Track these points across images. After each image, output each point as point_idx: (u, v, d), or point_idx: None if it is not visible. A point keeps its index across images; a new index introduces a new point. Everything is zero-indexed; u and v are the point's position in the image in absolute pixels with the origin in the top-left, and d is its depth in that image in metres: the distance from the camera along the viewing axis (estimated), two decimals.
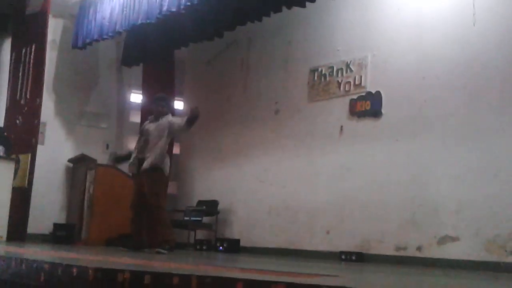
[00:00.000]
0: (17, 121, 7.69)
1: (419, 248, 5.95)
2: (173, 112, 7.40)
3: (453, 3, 6.20)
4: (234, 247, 7.42)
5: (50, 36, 8.05)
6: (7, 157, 6.97)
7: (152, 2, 6.76)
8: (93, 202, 7.47)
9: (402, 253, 6.06)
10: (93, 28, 7.71)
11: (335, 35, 7.32)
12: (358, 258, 6.22)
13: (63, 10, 8.45)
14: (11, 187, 6.84)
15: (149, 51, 8.50)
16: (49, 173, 7.99)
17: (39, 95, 7.63)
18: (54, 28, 8.36)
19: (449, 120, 6.00)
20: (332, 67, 7.22)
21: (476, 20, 5.89)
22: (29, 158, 7.39)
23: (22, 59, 7.85)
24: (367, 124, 6.73)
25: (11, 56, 8.09)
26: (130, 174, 6.10)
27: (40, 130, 7.75)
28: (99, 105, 8.95)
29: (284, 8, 6.90)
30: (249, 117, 8.26)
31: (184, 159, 9.26)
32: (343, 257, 6.32)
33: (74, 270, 2.35)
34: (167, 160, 5.90)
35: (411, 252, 6.00)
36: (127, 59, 8.95)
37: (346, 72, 7.06)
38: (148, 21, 6.90)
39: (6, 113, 7.91)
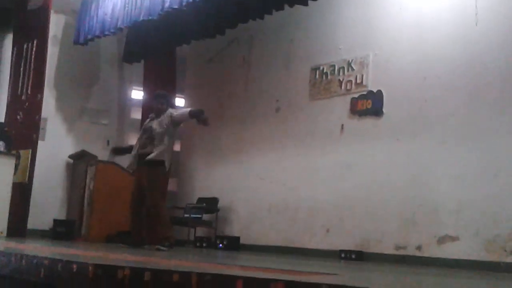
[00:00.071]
0: (18, 117, 7.69)
1: (418, 248, 5.96)
2: (173, 108, 7.40)
3: (455, 3, 6.19)
4: (234, 244, 7.42)
5: (51, 32, 8.05)
6: (7, 152, 6.97)
7: None
8: (93, 199, 7.47)
9: (401, 252, 6.07)
10: (95, 24, 7.71)
11: (337, 34, 7.31)
12: (357, 256, 6.23)
13: (65, 5, 8.45)
14: (12, 183, 6.85)
15: (151, 48, 8.50)
16: (49, 169, 8.00)
17: (40, 90, 7.63)
18: (56, 24, 8.36)
19: (449, 120, 6.00)
20: (334, 66, 7.22)
21: (478, 20, 5.89)
22: (30, 153, 7.39)
23: (24, 54, 7.85)
24: (368, 123, 6.73)
25: (12, 51, 8.08)
26: (131, 171, 6.09)
27: (41, 126, 7.75)
28: (100, 101, 8.95)
29: (286, 6, 6.90)
30: (250, 115, 8.26)
31: (185, 156, 9.26)
32: (342, 255, 6.33)
33: (74, 266, 2.35)
34: (170, 156, 5.88)
35: (411, 251, 6.00)
36: (129, 56, 8.95)
37: (348, 70, 7.06)
38: (150, 17, 6.90)
39: (7, 108, 7.91)
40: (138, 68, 9.15)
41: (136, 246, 5.65)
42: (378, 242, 6.31)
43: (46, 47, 7.75)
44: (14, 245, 4.30)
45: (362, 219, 6.51)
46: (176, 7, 6.57)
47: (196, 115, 5.84)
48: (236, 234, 7.80)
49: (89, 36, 7.89)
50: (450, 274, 4.09)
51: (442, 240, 5.79)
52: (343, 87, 7.08)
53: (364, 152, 6.67)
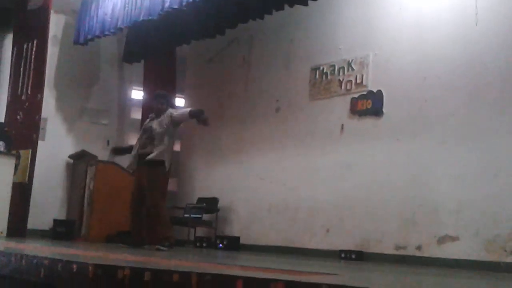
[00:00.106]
0: (18, 117, 7.69)
1: (418, 248, 5.96)
2: (173, 108, 7.40)
3: (455, 3, 6.19)
4: (234, 244, 7.42)
5: (51, 32, 8.05)
6: (7, 152, 6.97)
7: None
8: (93, 199, 7.47)
9: (401, 252, 6.07)
10: (95, 24, 7.71)
11: (337, 34, 7.31)
12: (357, 256, 6.22)
13: (65, 5, 8.45)
14: (12, 183, 6.85)
15: (151, 48, 8.50)
16: (49, 169, 8.00)
17: (40, 90, 7.63)
18: (56, 24, 8.36)
19: (449, 120, 6.00)
20: (334, 66, 7.22)
21: (478, 20, 5.89)
22: (30, 153, 7.40)
23: (24, 54, 7.85)
24: (368, 123, 6.72)
25: (12, 51, 8.08)
26: (131, 171, 6.09)
27: (41, 126, 7.75)
28: (100, 102, 8.95)
29: (286, 6, 6.90)
30: (250, 115, 8.26)
31: (185, 156, 9.26)
32: (342, 255, 6.33)
33: (74, 266, 2.35)
34: (170, 156, 5.87)
35: (411, 251, 6.00)
36: (129, 56, 8.95)
37: (348, 70, 7.06)
38: (150, 17, 6.90)
39: (7, 108, 7.91)
40: (138, 68, 9.15)
41: (136, 246, 5.64)
42: (378, 242, 6.31)
43: (46, 47, 7.75)
44: (14, 245, 4.30)
45: (362, 219, 6.51)
46: (176, 7, 6.57)
47: (196, 115, 5.85)
48: (236, 234, 7.80)
49: (89, 36, 7.90)
50: (450, 274, 4.09)
51: (442, 240, 5.79)
52: (343, 87, 7.08)
53: (364, 152, 6.67)
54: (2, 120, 7.75)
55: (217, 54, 8.91)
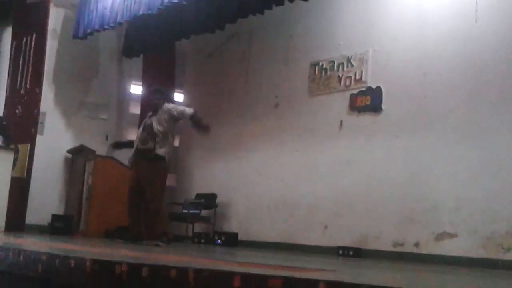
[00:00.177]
0: (17, 111, 7.68)
1: (416, 244, 5.96)
2: (172, 103, 7.39)
3: (455, 0, 6.17)
4: (232, 240, 7.43)
5: (51, 26, 8.04)
6: (6, 147, 6.96)
7: None
8: (91, 194, 7.46)
9: (399, 249, 6.07)
10: (94, 18, 7.69)
11: (337, 30, 7.30)
12: (355, 253, 6.23)
13: None
14: (10, 178, 6.84)
15: (150, 42, 8.48)
16: (48, 164, 7.99)
17: (39, 85, 7.62)
18: (55, 18, 8.34)
19: (449, 117, 5.99)
20: (333, 62, 7.21)
21: (478, 17, 5.87)
22: (28, 148, 7.39)
23: (23, 48, 7.83)
24: (367, 119, 6.72)
25: (11, 45, 8.06)
26: (130, 165, 6.08)
27: (40, 120, 7.74)
28: (99, 96, 8.94)
29: (286, 1, 6.87)
30: (249, 110, 8.24)
31: (183, 152, 9.25)
32: (340, 252, 6.33)
33: (72, 261, 2.35)
34: (171, 152, 5.88)
35: (409, 248, 6.00)
36: (128, 50, 8.93)
37: (347, 66, 7.05)
38: (149, 12, 6.88)
39: (5, 102, 7.90)
40: (137, 63, 9.13)
41: (134, 241, 5.64)
42: (376, 239, 6.32)
43: (45, 41, 7.74)
44: (12, 240, 4.30)
45: (360, 215, 6.51)
46: (175, 1, 6.55)
47: (197, 122, 5.85)
48: (235, 230, 7.80)
49: (89, 30, 7.87)
50: (448, 271, 4.09)
51: (440, 237, 5.79)
52: (342, 83, 7.08)
53: (363, 149, 6.67)
54: (1, 114, 7.73)
55: (216, 49, 8.89)
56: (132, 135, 8.04)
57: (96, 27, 7.70)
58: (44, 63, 7.70)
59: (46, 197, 7.93)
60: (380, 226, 6.31)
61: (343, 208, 6.72)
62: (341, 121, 6.99)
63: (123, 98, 9.31)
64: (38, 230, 7.50)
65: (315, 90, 7.41)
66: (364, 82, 6.82)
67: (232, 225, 8.05)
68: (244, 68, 8.49)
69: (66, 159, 8.42)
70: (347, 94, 6.97)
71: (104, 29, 7.75)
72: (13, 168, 6.98)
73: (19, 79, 7.78)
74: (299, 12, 7.52)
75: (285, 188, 7.43)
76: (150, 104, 6.07)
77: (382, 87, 6.62)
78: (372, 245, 6.32)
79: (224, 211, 8.19)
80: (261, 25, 8.02)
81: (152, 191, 5.66)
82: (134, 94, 9.40)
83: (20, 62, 7.81)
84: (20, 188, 7.20)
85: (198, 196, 8.38)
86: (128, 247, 4.48)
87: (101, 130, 8.83)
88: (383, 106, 6.58)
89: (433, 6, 6.35)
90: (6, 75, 8.00)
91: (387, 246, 6.18)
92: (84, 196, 7.60)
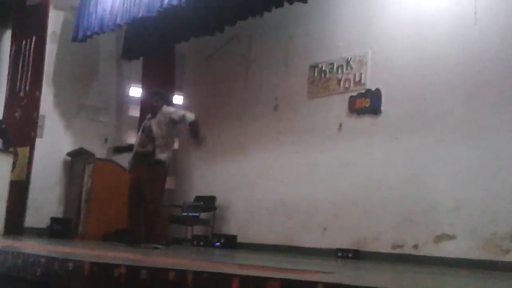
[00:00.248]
0: (16, 114, 7.68)
1: (415, 246, 5.96)
2: (172, 105, 7.39)
3: (454, 2, 6.18)
4: (231, 243, 7.42)
5: (50, 28, 8.05)
6: (5, 150, 6.96)
7: None
8: (90, 197, 7.45)
9: (398, 251, 6.07)
10: (94, 20, 7.69)
11: (336, 32, 7.30)
12: (354, 255, 6.22)
13: (64, 2, 8.44)
14: (9, 180, 6.84)
15: (150, 45, 8.48)
16: (47, 167, 7.98)
17: (39, 87, 7.62)
18: (55, 20, 8.35)
19: (448, 119, 5.99)
20: (332, 64, 7.21)
21: (477, 19, 5.88)
22: (28, 151, 7.38)
23: (22, 51, 7.84)
24: (366, 121, 6.72)
25: (11, 48, 8.07)
26: (129, 169, 6.07)
27: (39, 123, 7.74)
28: (98, 99, 8.94)
29: (285, 3, 6.88)
30: (249, 112, 8.25)
31: (182, 154, 9.25)
32: (339, 254, 6.33)
33: (71, 264, 2.35)
34: (170, 155, 5.89)
35: (408, 250, 6.00)
36: (127, 53, 8.93)
37: (346, 69, 7.05)
38: (149, 14, 6.88)
39: (5, 105, 7.91)
40: (136, 66, 9.13)
41: (133, 244, 5.64)
42: (375, 241, 6.31)
43: (45, 44, 7.74)
44: (11, 243, 4.29)
45: (359, 217, 6.51)
46: (175, 3, 6.55)
47: (195, 130, 5.85)
48: (234, 233, 7.80)
49: (88, 33, 7.87)
50: (447, 273, 4.09)
51: (439, 238, 5.78)
52: (341, 85, 7.08)
53: (362, 151, 6.67)
54: (0, 117, 7.74)
55: (216, 52, 8.89)
56: (132, 138, 8.04)
57: (96, 29, 7.70)
58: (43, 66, 7.70)
59: (45, 200, 7.93)
60: (379, 228, 6.30)
61: (342, 210, 6.72)
62: (341, 123, 6.99)
63: (123, 101, 9.31)
64: (37, 233, 7.49)
65: (314, 92, 7.41)
66: (363, 84, 6.83)
67: (231, 228, 8.04)
68: (243, 70, 8.49)
69: (66, 162, 8.41)
70: (346, 96, 6.97)
71: (104, 32, 7.76)
72: (12, 171, 6.98)
73: (18, 82, 7.78)
74: (298, 14, 7.53)
75: (284, 190, 7.43)
76: (150, 107, 6.08)
77: (381, 89, 6.62)
78: (371, 247, 6.31)
79: (223, 213, 8.19)
80: (261, 27, 8.03)
81: (152, 193, 5.66)
82: (134, 96, 9.40)
83: (20, 65, 7.82)
84: (19, 191, 7.20)
85: (197, 198, 8.37)
86: (127, 250, 4.48)
87: (100, 133, 8.83)
88: (382, 108, 6.58)
89: (432, 8, 6.36)
90: (6, 78, 8.00)
91: (386, 248, 6.17)
92: (83, 199, 7.59)
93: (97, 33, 7.82)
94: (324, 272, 2.78)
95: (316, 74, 7.41)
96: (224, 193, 8.19)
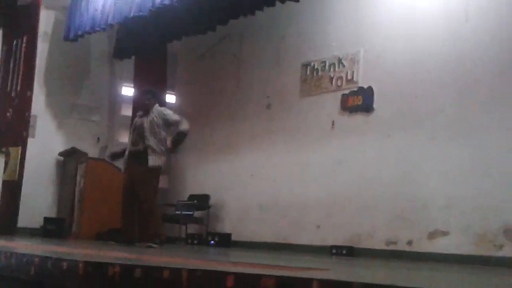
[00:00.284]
0: (8, 114, 7.64)
1: (409, 243, 5.99)
2: (164, 104, 7.38)
3: (446, 0, 6.21)
4: (225, 241, 7.42)
5: (41, 28, 8.00)
6: None
7: None
8: (83, 196, 7.43)
9: (392, 247, 6.10)
10: (85, 20, 7.66)
11: (328, 30, 7.31)
12: (348, 252, 6.24)
13: (55, 1, 8.39)
14: (1, 181, 6.81)
15: (141, 44, 8.46)
16: (39, 167, 7.95)
17: (30, 87, 7.58)
18: (46, 20, 8.29)
19: (439, 116, 6.02)
20: (325, 62, 7.22)
21: (469, 17, 5.91)
22: (20, 151, 7.35)
23: (13, 51, 7.80)
24: (359, 119, 6.74)
25: (2, 48, 8.02)
26: (123, 169, 6.04)
27: (31, 123, 7.71)
28: (90, 98, 8.90)
29: (277, 2, 6.89)
30: (241, 111, 8.25)
31: (175, 153, 9.22)
32: (333, 251, 6.34)
33: (64, 264, 2.34)
34: (165, 160, 5.88)
35: (402, 246, 6.03)
36: (119, 52, 8.91)
37: (338, 67, 7.07)
38: (140, 13, 6.86)
39: None
40: (128, 65, 9.10)
41: (127, 243, 5.63)
42: (369, 238, 6.34)
43: (36, 44, 7.70)
44: (4, 243, 4.27)
45: (352, 215, 6.53)
46: (167, 3, 6.54)
47: (179, 140, 5.87)
48: (228, 231, 7.80)
49: (79, 32, 7.84)
50: (440, 269, 4.12)
51: (432, 235, 5.82)
52: (333, 83, 7.10)
53: (354, 148, 6.69)
54: None
55: (208, 51, 8.88)
56: (124, 137, 8.02)
57: (87, 29, 7.67)
58: (35, 66, 7.66)
59: (38, 200, 7.89)
60: (372, 225, 6.33)
61: (335, 208, 6.74)
62: (333, 121, 7.01)
63: (115, 100, 9.28)
64: (30, 233, 7.46)
65: (306, 90, 7.43)
66: (356, 82, 6.85)
67: (225, 226, 8.05)
68: (235, 69, 8.49)
69: (58, 161, 8.38)
70: (338, 95, 6.99)
71: (95, 31, 7.73)
72: (4, 171, 6.96)
73: (9, 82, 7.74)
74: (290, 13, 7.53)
75: (277, 188, 7.44)
76: (141, 105, 6.06)
77: (373, 87, 6.64)
78: (365, 244, 6.34)
79: (217, 212, 8.19)
80: (253, 26, 8.02)
81: (146, 193, 5.66)
82: (126, 96, 9.37)
83: (11, 65, 7.77)
84: (11, 191, 7.16)
85: (191, 197, 8.37)
86: (121, 249, 4.47)
87: (92, 132, 8.80)
88: (374, 106, 6.60)
89: (424, 6, 6.39)
90: None
91: (380, 245, 6.20)
92: (76, 198, 7.56)
93: (89, 33, 7.79)
94: (319, 269, 2.79)
95: (308, 72, 7.42)
96: (218, 192, 8.19)
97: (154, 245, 5.39)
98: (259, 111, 7.98)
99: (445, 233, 5.74)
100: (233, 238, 7.59)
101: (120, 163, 6.30)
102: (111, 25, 7.57)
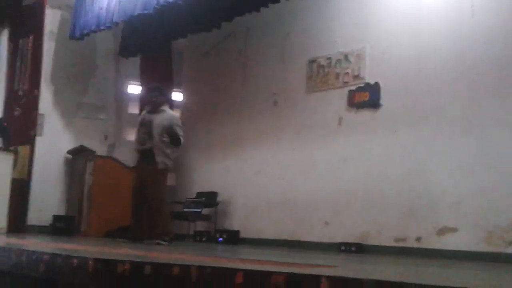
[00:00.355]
0: (16, 113, 7.68)
1: (418, 239, 5.97)
2: (170, 102, 7.40)
3: None
4: (233, 238, 7.43)
5: (47, 27, 8.02)
6: (6, 148, 6.96)
7: None
8: (92, 194, 7.46)
9: (401, 244, 6.07)
10: (90, 18, 7.66)
11: (334, 26, 7.28)
12: (357, 249, 6.23)
13: (61, 0, 8.40)
14: (11, 179, 6.84)
15: (147, 42, 8.46)
16: (48, 165, 7.98)
17: (37, 86, 7.62)
18: (52, 19, 8.31)
19: (447, 111, 5.99)
20: (331, 58, 7.20)
21: (474, 12, 5.87)
22: (28, 149, 7.39)
23: (20, 50, 7.83)
24: (366, 115, 6.72)
25: (8, 48, 8.05)
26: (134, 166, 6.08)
27: (39, 121, 7.74)
28: (97, 97, 8.92)
29: None
30: (247, 108, 8.24)
31: (183, 150, 9.23)
32: (342, 248, 6.33)
33: (74, 261, 2.35)
34: (173, 156, 5.91)
35: (410, 243, 6.01)
36: (125, 50, 8.91)
37: (345, 63, 7.04)
38: (145, 11, 6.86)
39: (4, 104, 7.90)
40: (134, 63, 9.11)
41: (135, 240, 5.65)
42: (378, 234, 6.32)
43: (42, 43, 7.73)
44: (14, 241, 4.30)
45: (361, 211, 6.52)
46: (171, 0, 6.53)
47: (177, 142, 5.94)
48: (236, 228, 7.81)
49: (85, 31, 7.84)
50: (450, 265, 4.10)
51: (441, 231, 5.79)
52: (340, 79, 7.07)
53: (362, 145, 6.67)
54: (0, 116, 7.74)
55: (213, 48, 8.87)
56: (131, 135, 8.03)
57: (92, 27, 7.67)
58: (41, 64, 7.70)
59: (47, 198, 7.92)
60: (381, 221, 6.31)
61: (343, 204, 6.72)
62: (340, 117, 6.98)
63: (121, 98, 9.29)
64: (40, 230, 7.50)
65: (313, 87, 7.40)
66: (362, 78, 6.82)
67: (233, 223, 8.05)
68: (241, 66, 8.48)
69: (66, 160, 8.41)
70: (345, 91, 6.96)
71: (100, 30, 7.73)
72: (13, 170, 6.99)
73: (17, 81, 7.78)
74: (295, 10, 7.51)
75: (285, 185, 7.43)
76: (148, 102, 6.07)
77: (380, 83, 6.61)
78: (373, 241, 6.32)
79: (225, 209, 8.20)
80: (258, 23, 8.01)
81: (154, 191, 5.68)
82: (132, 94, 9.39)
83: (18, 64, 7.81)
84: (21, 189, 7.21)
85: (199, 194, 8.38)
86: (130, 246, 4.49)
87: (99, 130, 8.82)
88: (381, 102, 6.57)
89: (429, 1, 6.35)
90: (5, 77, 7.99)
91: (389, 242, 6.18)
92: (85, 196, 7.60)
93: (94, 31, 7.79)
94: (327, 266, 2.78)
95: (314, 69, 7.39)
96: (226, 189, 8.19)
97: (163, 243, 5.41)
98: (265, 108, 7.96)
99: (454, 230, 5.71)
100: (241, 235, 7.60)
101: (121, 155, 6.29)
102: (116, 23, 7.57)
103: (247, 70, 8.39)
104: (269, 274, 1.85)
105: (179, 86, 9.51)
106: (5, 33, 8.44)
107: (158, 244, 5.35)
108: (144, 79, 8.90)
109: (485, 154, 5.61)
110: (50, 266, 2.47)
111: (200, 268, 2.00)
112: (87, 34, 7.92)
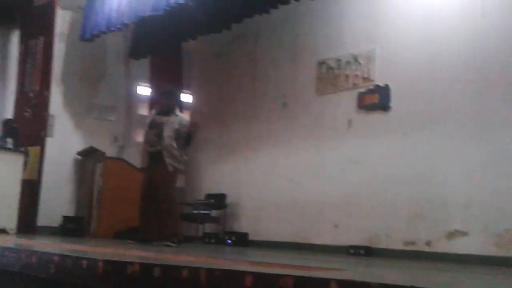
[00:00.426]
0: (26, 114, 7.72)
1: (428, 243, 5.93)
2: (181, 105, 7.42)
3: None
4: (242, 240, 7.43)
5: (58, 28, 8.07)
6: (16, 149, 7.00)
7: None
8: (101, 195, 7.49)
9: (411, 247, 6.04)
10: (101, 20, 7.70)
11: (343, 28, 7.27)
12: (366, 252, 6.20)
13: (71, 2, 8.45)
14: (21, 180, 6.88)
15: (157, 44, 8.49)
16: (58, 166, 8.02)
17: (48, 87, 7.66)
18: (62, 20, 8.36)
19: (458, 114, 5.95)
20: (340, 60, 7.18)
21: (485, 13, 5.83)
22: (39, 150, 7.43)
23: (30, 51, 7.88)
24: (376, 117, 6.69)
25: (19, 49, 8.11)
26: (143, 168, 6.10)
27: (49, 122, 7.78)
28: (107, 98, 8.96)
29: (292, 0, 6.87)
30: (257, 110, 8.24)
31: (192, 152, 9.22)
32: (351, 251, 6.30)
33: (84, 262, 2.35)
34: (183, 159, 5.93)
35: (420, 246, 5.97)
36: (135, 52, 8.95)
37: (355, 65, 7.02)
38: (155, 13, 6.88)
39: (15, 105, 7.96)
40: (144, 64, 9.15)
41: (145, 242, 5.66)
42: (387, 238, 6.29)
43: (53, 44, 7.77)
44: (24, 242, 4.32)
45: (370, 214, 6.49)
46: (181, 2, 6.55)
47: (190, 139, 5.99)
48: (245, 230, 7.80)
49: (95, 32, 7.88)
50: (460, 269, 4.06)
51: (451, 235, 5.75)
52: (350, 81, 7.05)
53: (371, 147, 6.64)
54: (11, 117, 7.78)
55: (223, 49, 8.88)
56: (141, 136, 8.05)
57: (103, 29, 7.71)
58: (52, 66, 7.74)
59: (57, 199, 7.96)
60: (390, 224, 6.27)
61: (352, 207, 6.69)
62: (350, 119, 6.96)
63: (131, 99, 9.33)
64: (49, 231, 7.54)
65: (323, 89, 7.39)
66: (372, 80, 6.79)
67: (242, 225, 8.04)
68: (251, 68, 8.48)
69: (76, 161, 8.44)
70: (355, 93, 6.94)
71: (111, 31, 7.76)
72: (24, 171, 7.03)
73: (27, 82, 7.83)
74: (305, 11, 7.50)
75: (294, 187, 7.42)
76: (162, 104, 6.08)
77: (390, 85, 6.58)
78: (383, 244, 6.29)
79: (234, 211, 8.19)
80: (268, 24, 8.01)
81: (164, 193, 5.69)
82: (142, 95, 9.43)
83: (28, 65, 7.86)
84: (31, 190, 7.25)
85: (208, 196, 8.38)
86: (139, 248, 4.49)
87: (110, 131, 8.86)
88: (391, 104, 6.54)
89: (439, 2, 6.31)
90: (15, 78, 8.05)
91: (398, 245, 6.15)
92: (94, 197, 7.62)
93: (104, 32, 7.83)
94: (337, 269, 2.77)
95: (324, 70, 7.38)
96: (235, 191, 8.19)
97: (172, 244, 5.41)
98: (275, 110, 7.96)
99: (464, 234, 5.67)
100: (250, 237, 7.59)
101: (130, 157, 6.29)
102: (127, 25, 7.60)
103: (257, 72, 8.39)
104: (278, 277, 1.84)
105: (189, 88, 9.53)
106: (16, 34, 8.50)
107: (167, 245, 5.36)
108: (154, 81, 8.93)
109: (496, 157, 5.57)
110: (60, 267, 2.47)
111: (210, 270, 1.99)
112: (98, 36, 7.96)
